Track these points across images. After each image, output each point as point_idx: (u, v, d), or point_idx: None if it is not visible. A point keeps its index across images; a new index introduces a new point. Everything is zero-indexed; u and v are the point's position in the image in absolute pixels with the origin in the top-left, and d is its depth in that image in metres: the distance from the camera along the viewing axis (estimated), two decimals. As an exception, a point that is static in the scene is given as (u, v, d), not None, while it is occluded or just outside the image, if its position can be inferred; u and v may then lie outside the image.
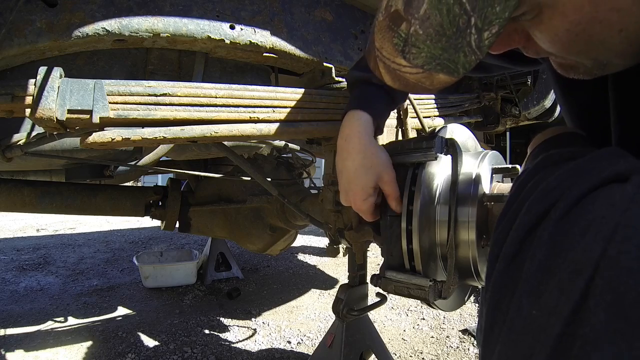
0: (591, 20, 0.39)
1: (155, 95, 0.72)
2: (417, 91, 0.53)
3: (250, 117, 0.81)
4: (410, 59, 0.46)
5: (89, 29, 0.88)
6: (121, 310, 2.89)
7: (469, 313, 2.71)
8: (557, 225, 0.32)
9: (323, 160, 1.70)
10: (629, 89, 0.50)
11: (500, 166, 0.81)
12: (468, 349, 2.24)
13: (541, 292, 0.29)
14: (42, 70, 0.66)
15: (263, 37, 1.07)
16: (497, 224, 0.43)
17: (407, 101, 1.15)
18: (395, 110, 0.85)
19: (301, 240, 5.32)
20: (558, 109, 2.09)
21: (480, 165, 0.77)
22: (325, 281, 3.66)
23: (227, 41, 1.01)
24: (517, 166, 0.79)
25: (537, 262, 0.31)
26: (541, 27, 0.43)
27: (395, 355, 2.22)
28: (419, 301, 1.10)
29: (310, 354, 2.08)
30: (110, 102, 0.69)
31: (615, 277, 0.24)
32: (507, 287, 0.35)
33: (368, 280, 1.61)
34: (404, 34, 0.45)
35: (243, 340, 2.47)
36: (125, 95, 0.70)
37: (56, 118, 0.64)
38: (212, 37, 0.99)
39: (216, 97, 0.77)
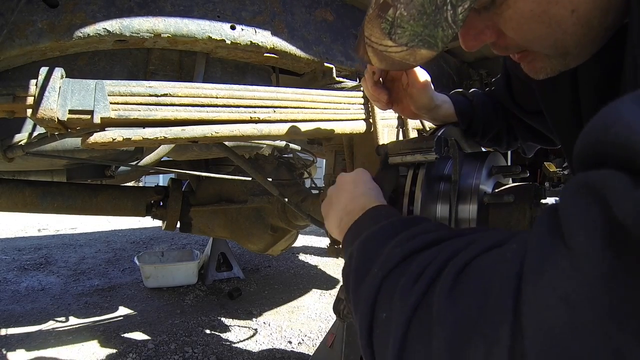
0: (549, 0, 0.45)
1: (156, 96, 0.72)
2: (401, 68, 0.60)
3: (251, 118, 0.81)
4: (396, 38, 0.53)
5: (90, 30, 0.88)
6: (122, 310, 2.89)
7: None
8: (449, 294, 0.32)
9: (324, 161, 1.70)
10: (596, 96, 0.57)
11: (500, 165, 0.81)
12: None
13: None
14: (43, 70, 0.66)
15: (264, 38, 1.07)
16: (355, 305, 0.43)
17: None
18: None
19: (302, 240, 5.32)
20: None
21: (481, 165, 0.77)
22: (326, 281, 3.67)
23: (228, 41, 1.02)
24: (518, 166, 0.79)
25: (444, 341, 0.30)
26: (510, 12, 0.48)
27: (396, 355, 2.22)
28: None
29: (311, 354, 2.08)
30: (111, 103, 0.69)
31: (541, 316, 0.25)
32: None
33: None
34: (390, 18, 0.52)
35: (244, 340, 2.47)
36: (126, 95, 0.70)
37: (57, 118, 0.64)
38: (213, 37, 0.99)
39: (217, 98, 0.77)
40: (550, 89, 0.66)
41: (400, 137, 1.12)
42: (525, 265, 0.28)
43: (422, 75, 0.78)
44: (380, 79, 0.78)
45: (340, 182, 0.70)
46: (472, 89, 0.95)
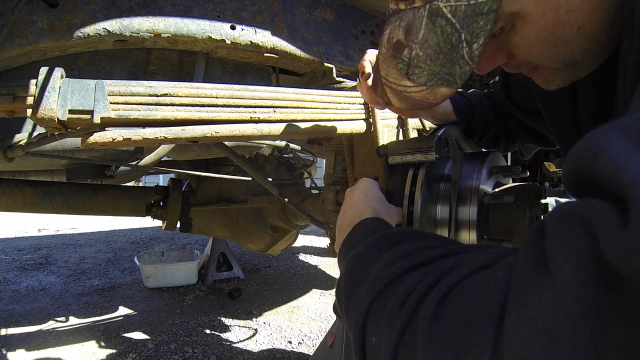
0: (555, 23, 0.46)
1: (156, 96, 0.72)
2: (422, 107, 0.58)
3: (251, 117, 0.81)
4: (415, 79, 0.52)
5: (90, 30, 0.88)
6: (122, 310, 2.89)
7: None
8: (432, 321, 0.32)
9: (324, 160, 1.70)
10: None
11: (500, 165, 0.81)
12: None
13: None
14: (43, 70, 0.66)
15: (264, 38, 1.07)
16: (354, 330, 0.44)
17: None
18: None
19: (302, 240, 5.32)
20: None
21: (481, 165, 0.77)
22: (326, 281, 3.67)
23: (228, 41, 1.02)
24: (518, 166, 0.79)
25: None
26: (517, 38, 0.49)
27: (396, 355, 2.22)
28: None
29: (311, 354, 2.08)
30: (111, 103, 0.69)
31: (522, 348, 0.25)
32: None
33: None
34: (407, 58, 0.51)
35: (244, 340, 2.47)
36: (126, 95, 0.70)
37: (57, 118, 0.64)
38: (213, 37, 0.99)
39: (217, 98, 0.77)
40: (548, 91, 0.67)
41: (400, 137, 1.12)
42: (509, 296, 0.28)
43: None
44: None
45: (345, 196, 0.72)
46: (471, 89, 0.95)
